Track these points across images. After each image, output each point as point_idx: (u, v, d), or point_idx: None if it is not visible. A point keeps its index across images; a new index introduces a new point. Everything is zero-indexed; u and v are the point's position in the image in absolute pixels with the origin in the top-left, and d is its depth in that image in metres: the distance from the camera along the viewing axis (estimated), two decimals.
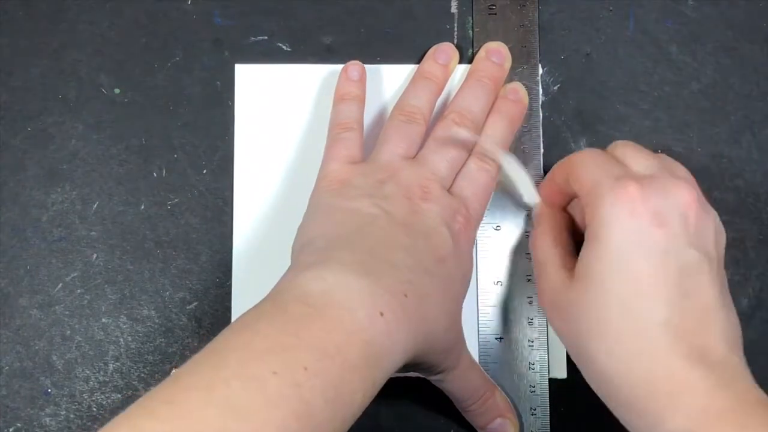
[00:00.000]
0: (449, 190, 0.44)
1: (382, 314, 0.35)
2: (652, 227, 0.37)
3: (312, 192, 0.44)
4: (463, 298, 0.43)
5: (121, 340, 0.47)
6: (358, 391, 0.34)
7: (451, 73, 0.48)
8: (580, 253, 0.39)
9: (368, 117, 0.47)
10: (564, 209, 0.44)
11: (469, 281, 0.44)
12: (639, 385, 0.36)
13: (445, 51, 0.48)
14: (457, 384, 0.43)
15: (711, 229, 0.39)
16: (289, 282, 0.37)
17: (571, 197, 0.43)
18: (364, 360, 0.34)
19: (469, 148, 0.45)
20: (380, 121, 0.48)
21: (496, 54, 0.47)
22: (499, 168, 0.45)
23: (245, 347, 0.33)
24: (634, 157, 0.41)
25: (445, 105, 0.47)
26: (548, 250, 0.42)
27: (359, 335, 0.34)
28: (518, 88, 0.47)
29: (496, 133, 0.46)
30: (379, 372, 0.35)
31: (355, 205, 0.41)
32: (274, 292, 0.37)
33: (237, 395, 0.31)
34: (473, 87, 0.46)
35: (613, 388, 0.37)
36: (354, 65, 0.47)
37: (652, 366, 0.36)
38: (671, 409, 0.35)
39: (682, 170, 0.40)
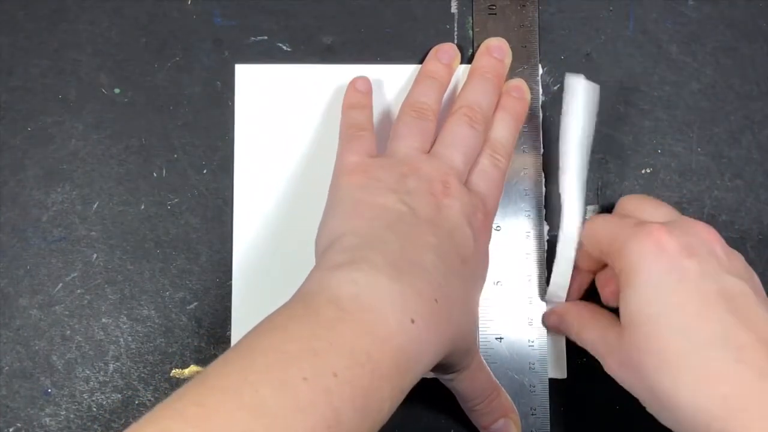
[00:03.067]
0: (465, 186, 0.44)
1: (413, 321, 0.35)
2: (683, 258, 0.37)
3: (332, 185, 0.43)
4: (479, 296, 0.43)
5: (121, 340, 0.47)
6: (387, 399, 0.34)
7: (454, 72, 0.48)
8: (620, 303, 0.39)
9: None
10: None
11: (485, 279, 0.44)
12: (712, 407, 0.35)
13: (447, 51, 0.48)
14: (466, 383, 0.43)
15: (741, 265, 0.39)
16: (319, 282, 0.36)
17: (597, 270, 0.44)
18: (395, 367, 0.34)
19: (480, 144, 0.45)
20: (382, 121, 0.48)
21: (497, 50, 0.47)
22: (509, 166, 0.46)
23: (275, 350, 0.32)
24: (648, 208, 0.42)
25: (448, 105, 0.47)
26: (592, 323, 0.42)
27: (390, 342, 0.34)
28: (521, 85, 0.47)
29: (504, 131, 0.46)
30: (408, 379, 0.35)
31: (381, 200, 0.40)
32: (303, 292, 0.36)
33: (267, 400, 0.30)
34: (479, 82, 0.46)
35: (688, 418, 0.36)
36: (360, 79, 0.47)
37: (722, 385, 0.35)
38: (750, 429, 0.34)
39: (699, 222, 0.41)
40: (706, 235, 0.39)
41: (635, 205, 0.43)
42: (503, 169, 0.45)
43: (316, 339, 0.33)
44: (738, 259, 0.39)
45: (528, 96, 0.47)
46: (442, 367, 0.40)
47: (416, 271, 0.37)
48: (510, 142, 0.46)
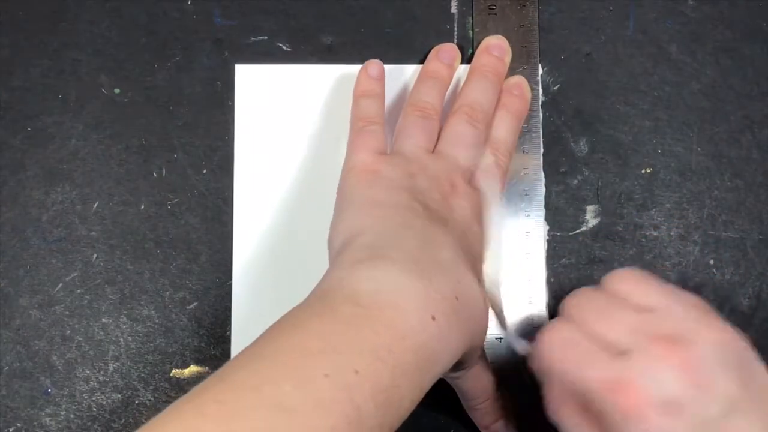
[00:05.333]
0: (469, 184, 0.43)
1: (434, 318, 0.35)
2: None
3: (341, 182, 0.43)
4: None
5: (121, 340, 0.47)
6: (407, 396, 0.33)
7: (455, 71, 0.48)
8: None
9: None
10: None
11: None
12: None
13: (447, 51, 0.47)
14: (471, 382, 0.43)
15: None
16: (338, 280, 0.36)
17: None
18: (415, 365, 0.34)
19: (482, 142, 0.45)
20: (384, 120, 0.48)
21: (496, 48, 0.47)
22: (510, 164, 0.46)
23: (295, 347, 0.32)
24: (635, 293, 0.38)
25: (449, 105, 0.47)
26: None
27: (411, 340, 0.34)
28: (521, 83, 0.47)
29: (505, 129, 0.46)
30: (428, 377, 0.35)
31: (395, 198, 0.40)
32: (322, 290, 0.36)
33: (288, 397, 0.30)
34: (479, 81, 0.46)
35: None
36: (373, 63, 0.46)
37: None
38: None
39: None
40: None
41: (626, 290, 0.38)
42: (505, 167, 0.45)
43: (336, 336, 0.32)
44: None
45: (529, 94, 0.47)
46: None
47: (436, 269, 0.37)
48: (511, 140, 0.46)
